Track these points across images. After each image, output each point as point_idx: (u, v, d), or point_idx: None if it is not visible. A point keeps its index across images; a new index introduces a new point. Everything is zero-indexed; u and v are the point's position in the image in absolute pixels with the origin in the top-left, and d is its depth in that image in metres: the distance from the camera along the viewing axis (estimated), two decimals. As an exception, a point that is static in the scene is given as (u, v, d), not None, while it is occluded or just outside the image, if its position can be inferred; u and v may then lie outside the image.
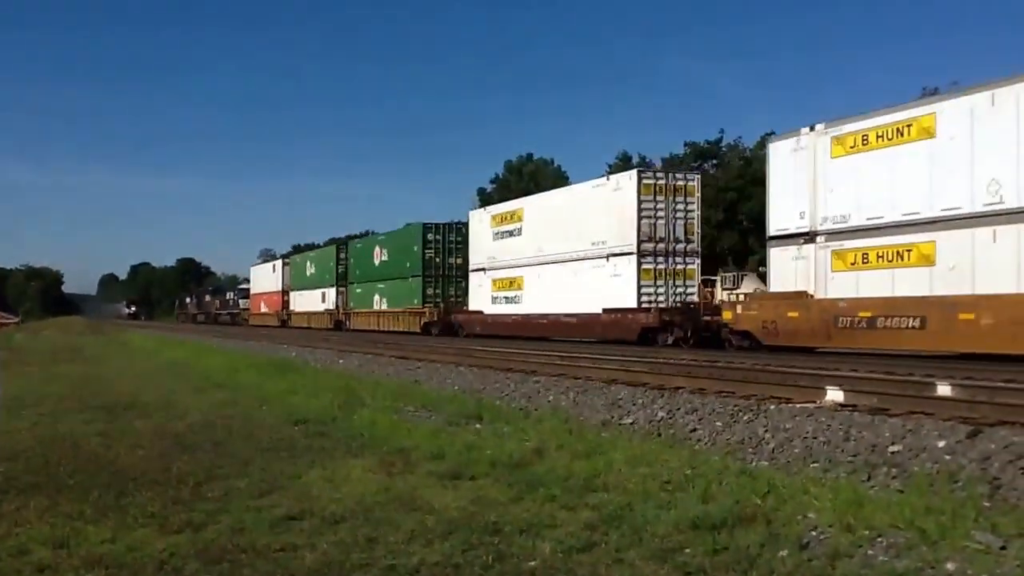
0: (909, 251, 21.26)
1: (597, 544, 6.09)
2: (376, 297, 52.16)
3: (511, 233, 38.62)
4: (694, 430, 11.20)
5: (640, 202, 30.29)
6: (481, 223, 41.66)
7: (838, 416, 10.30)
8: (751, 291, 27.73)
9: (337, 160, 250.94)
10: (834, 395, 11.42)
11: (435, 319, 44.60)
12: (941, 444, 8.68)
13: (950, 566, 5.38)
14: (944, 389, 11.41)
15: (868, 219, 22.34)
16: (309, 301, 64.14)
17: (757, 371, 15.78)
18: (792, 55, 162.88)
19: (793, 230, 24.49)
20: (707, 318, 28.74)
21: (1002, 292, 18.94)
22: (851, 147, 22.85)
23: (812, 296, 23.64)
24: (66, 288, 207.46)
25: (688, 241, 30.99)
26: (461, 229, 46.19)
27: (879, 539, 5.90)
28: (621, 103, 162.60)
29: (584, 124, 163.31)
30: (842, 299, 22.77)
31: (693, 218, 31.15)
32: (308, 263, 66.94)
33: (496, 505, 7.29)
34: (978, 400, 10.35)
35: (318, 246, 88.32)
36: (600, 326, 31.73)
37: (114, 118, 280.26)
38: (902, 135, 21.53)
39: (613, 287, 31.19)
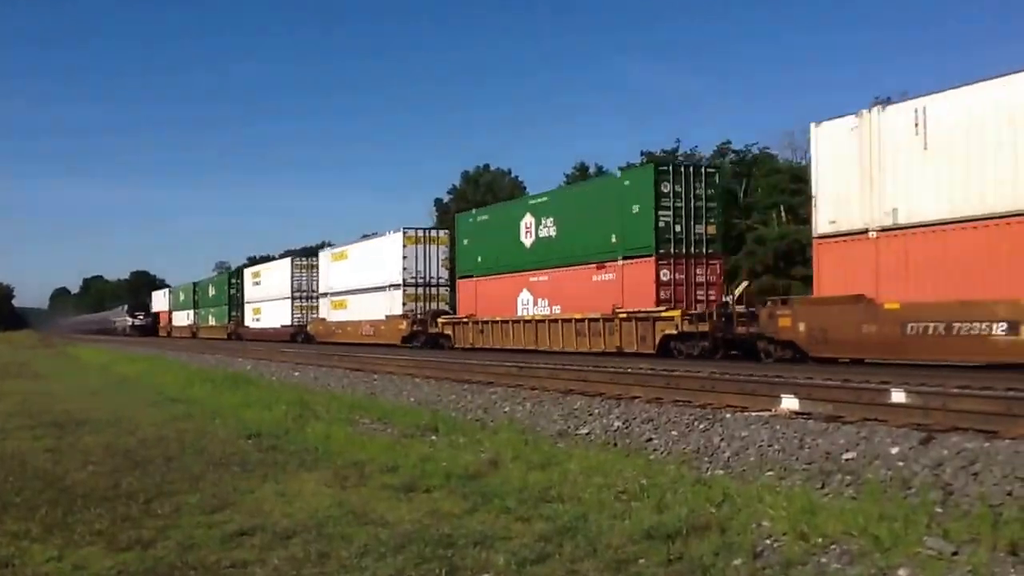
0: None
1: (551, 555, 6.06)
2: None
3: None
4: (650, 440, 11.22)
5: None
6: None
7: (793, 424, 10.35)
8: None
9: (294, 171, 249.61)
10: (789, 403, 11.46)
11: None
12: (894, 451, 8.74)
13: (902, 572, 5.40)
14: (898, 396, 11.46)
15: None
16: (181, 319, 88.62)
17: (714, 380, 15.81)
18: (752, 67, 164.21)
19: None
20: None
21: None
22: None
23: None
24: (17, 302, 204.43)
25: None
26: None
27: (832, 546, 5.92)
28: (578, 113, 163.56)
29: (541, 134, 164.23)
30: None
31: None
32: (181, 292, 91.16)
33: (450, 518, 7.24)
34: (931, 407, 10.41)
35: (273, 258, 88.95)
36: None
37: (63, 127, 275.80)
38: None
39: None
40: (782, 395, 11.83)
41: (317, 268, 54.56)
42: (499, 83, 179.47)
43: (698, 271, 27.62)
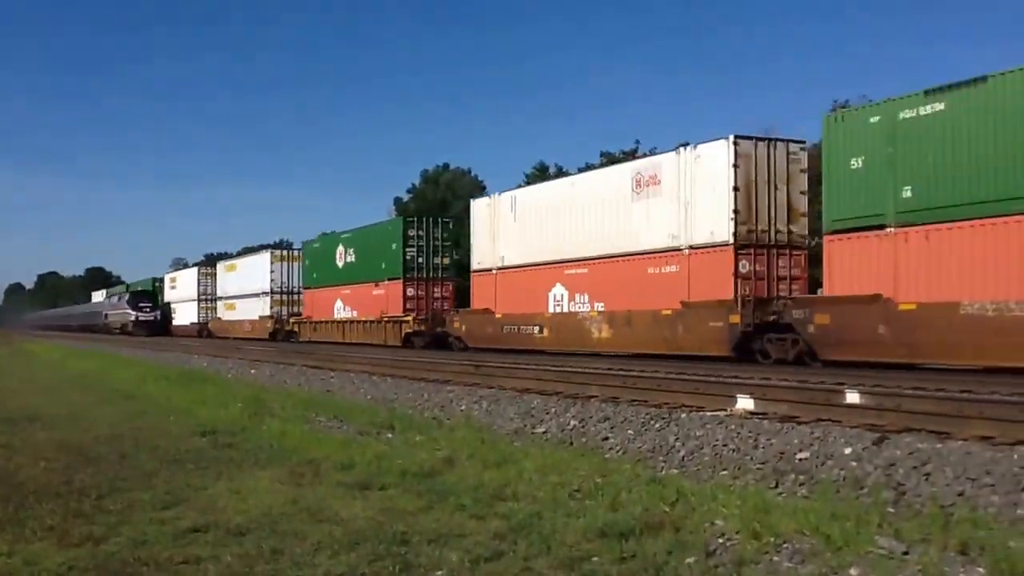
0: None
1: (505, 553, 6.05)
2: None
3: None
4: (606, 438, 11.26)
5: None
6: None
7: (748, 424, 10.43)
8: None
9: (254, 167, 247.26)
10: (745, 403, 11.56)
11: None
12: (848, 451, 8.84)
13: (853, 571, 5.44)
14: (852, 397, 11.62)
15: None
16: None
17: (671, 379, 15.92)
18: (708, 68, 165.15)
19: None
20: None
21: None
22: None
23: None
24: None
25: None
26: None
27: (785, 545, 5.94)
28: (539, 113, 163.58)
29: (502, 134, 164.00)
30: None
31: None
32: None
33: (405, 515, 7.21)
34: (885, 408, 10.56)
35: (230, 255, 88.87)
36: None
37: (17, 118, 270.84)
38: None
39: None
40: (738, 395, 11.93)
41: (216, 276, 65.98)
42: (460, 82, 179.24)
43: (435, 290, 39.75)
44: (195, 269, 73.27)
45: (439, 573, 5.70)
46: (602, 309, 28.12)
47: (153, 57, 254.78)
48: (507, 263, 32.89)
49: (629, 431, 11.25)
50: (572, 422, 12.29)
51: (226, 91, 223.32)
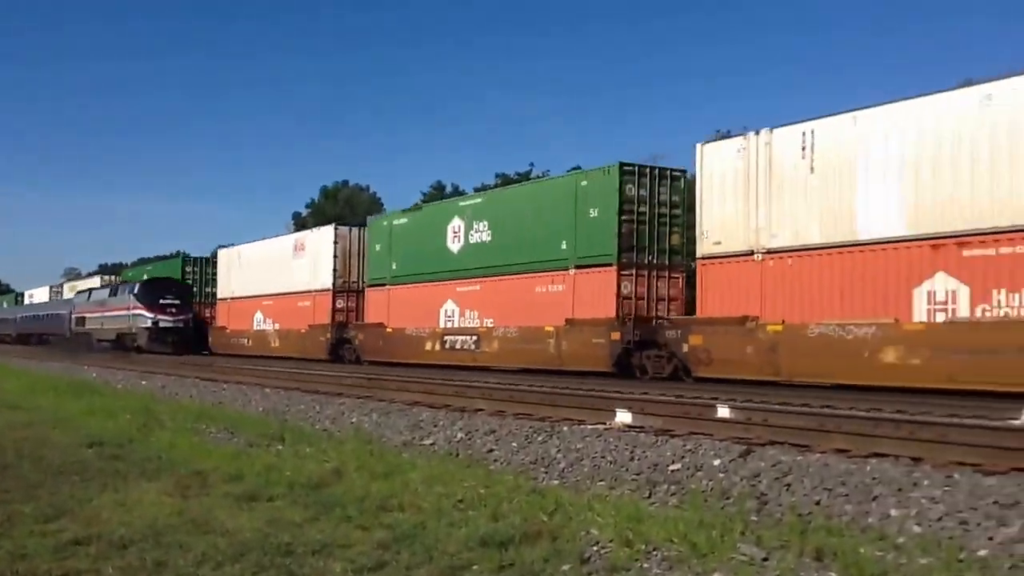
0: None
1: (388, 563, 6.21)
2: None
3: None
4: (491, 451, 11.51)
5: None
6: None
7: (625, 437, 10.81)
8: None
9: (150, 177, 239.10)
10: (623, 417, 11.97)
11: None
12: (717, 462, 9.26)
13: (717, 576, 5.76)
14: (723, 412, 12.13)
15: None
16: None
17: (556, 394, 16.28)
18: (603, 92, 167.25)
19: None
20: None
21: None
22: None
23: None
24: None
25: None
26: None
27: (655, 552, 6.21)
28: (437, 133, 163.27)
29: (400, 152, 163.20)
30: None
31: None
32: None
33: (291, 526, 7.31)
34: (753, 422, 11.09)
35: (125, 266, 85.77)
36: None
37: None
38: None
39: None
40: (617, 409, 12.33)
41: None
42: (361, 100, 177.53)
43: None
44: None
45: (322, 583, 5.83)
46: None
47: (38, 58, 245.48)
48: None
49: (513, 444, 11.53)
50: (459, 435, 12.51)
51: (122, 99, 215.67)
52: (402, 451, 11.63)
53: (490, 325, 29.10)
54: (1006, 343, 16.16)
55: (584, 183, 26.38)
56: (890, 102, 18.84)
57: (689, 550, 6.20)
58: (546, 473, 10.14)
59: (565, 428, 11.74)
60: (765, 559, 6.02)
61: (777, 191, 20.49)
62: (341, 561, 6.22)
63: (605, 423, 11.87)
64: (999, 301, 16.77)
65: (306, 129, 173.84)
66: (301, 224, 73.10)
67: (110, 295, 53.36)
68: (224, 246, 51.39)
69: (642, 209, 25.20)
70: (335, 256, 38.56)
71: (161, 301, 47.57)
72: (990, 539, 6.51)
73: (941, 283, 17.62)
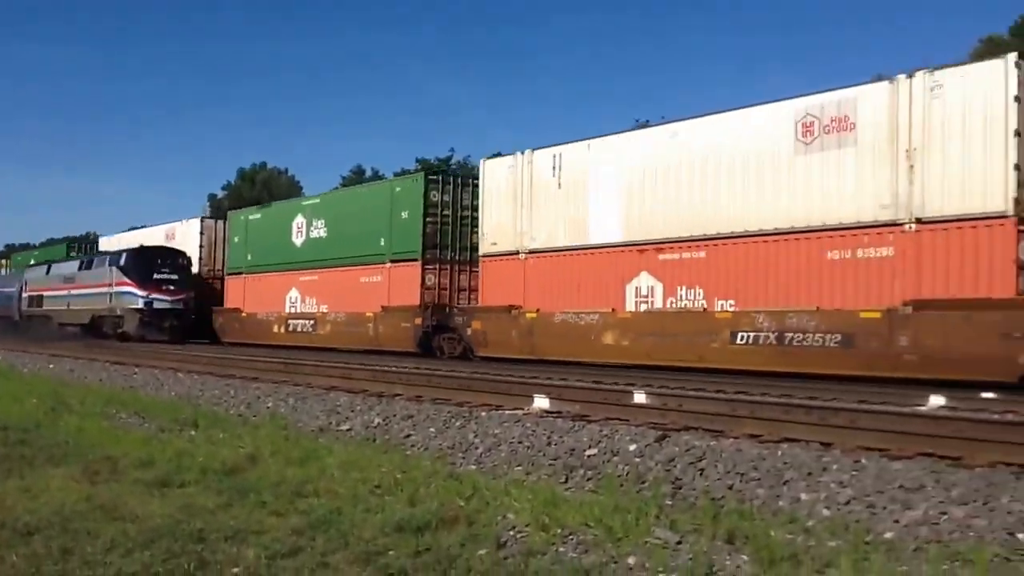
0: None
1: (303, 549, 6.17)
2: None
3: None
4: (408, 436, 11.49)
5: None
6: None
7: (543, 422, 10.87)
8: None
9: (56, 152, 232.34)
10: (541, 402, 12.04)
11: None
12: (632, 448, 9.35)
13: (631, 560, 5.79)
14: (640, 397, 12.28)
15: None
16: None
17: (474, 379, 16.31)
18: (523, 80, 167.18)
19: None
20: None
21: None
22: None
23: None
24: None
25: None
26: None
27: (570, 536, 6.26)
28: (358, 116, 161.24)
29: (322, 137, 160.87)
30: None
31: None
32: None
33: (204, 512, 7.21)
34: (668, 408, 11.25)
35: (33, 246, 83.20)
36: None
37: None
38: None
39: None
40: (535, 395, 12.41)
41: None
42: (278, 80, 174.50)
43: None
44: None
45: (235, 570, 5.75)
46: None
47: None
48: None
49: (431, 429, 11.52)
50: (376, 420, 12.46)
51: (36, 81, 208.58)
52: (319, 436, 11.55)
53: (324, 311, 33.36)
54: (682, 329, 20.64)
55: (398, 189, 30.88)
56: (613, 134, 23.57)
57: (604, 534, 6.26)
58: (463, 458, 10.16)
59: (483, 413, 11.76)
60: (679, 543, 6.10)
61: (536, 202, 24.93)
62: (255, 547, 6.15)
63: (523, 408, 11.93)
64: (681, 295, 21.18)
65: (227, 111, 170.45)
66: (216, 206, 72.13)
67: (81, 268, 43.25)
68: (136, 227, 50.65)
69: (446, 212, 29.38)
70: (201, 246, 41.57)
71: (156, 276, 38.14)
72: (896, 522, 6.71)
73: (645, 280, 22.03)
